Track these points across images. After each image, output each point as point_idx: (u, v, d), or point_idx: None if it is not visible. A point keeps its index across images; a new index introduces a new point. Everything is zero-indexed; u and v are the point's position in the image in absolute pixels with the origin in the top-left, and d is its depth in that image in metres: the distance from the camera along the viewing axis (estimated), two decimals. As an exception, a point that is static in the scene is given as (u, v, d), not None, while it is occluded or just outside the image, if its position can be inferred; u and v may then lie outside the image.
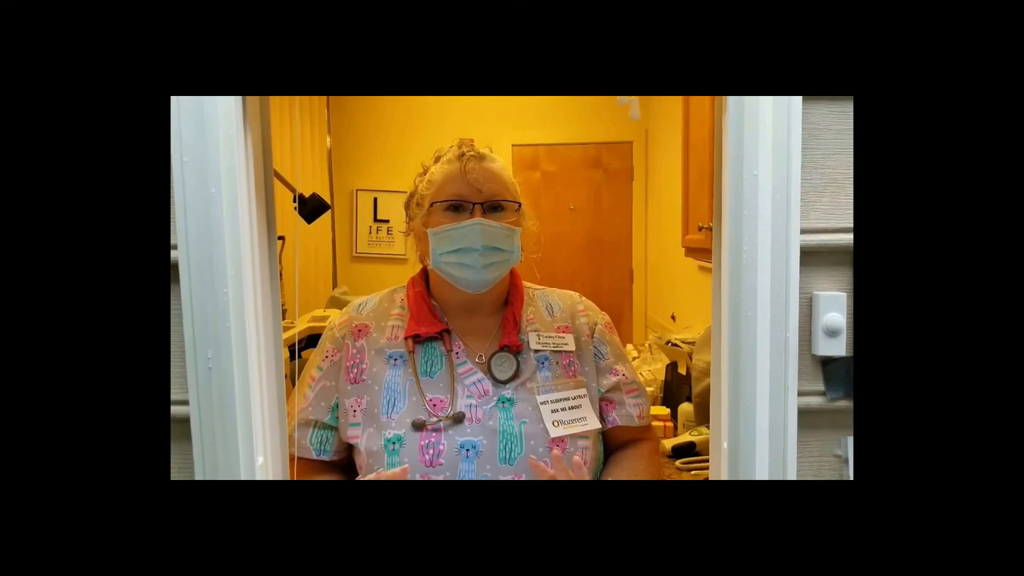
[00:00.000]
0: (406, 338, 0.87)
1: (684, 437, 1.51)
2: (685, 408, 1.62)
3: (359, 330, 0.90)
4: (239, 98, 0.57)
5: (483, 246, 0.82)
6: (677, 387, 1.78)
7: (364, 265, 3.54)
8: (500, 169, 0.88)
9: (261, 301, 0.64)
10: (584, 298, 0.99)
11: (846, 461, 0.60)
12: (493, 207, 0.85)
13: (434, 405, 0.83)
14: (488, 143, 0.95)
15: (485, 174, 0.85)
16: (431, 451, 0.80)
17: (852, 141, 0.60)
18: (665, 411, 1.68)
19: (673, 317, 2.83)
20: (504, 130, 3.45)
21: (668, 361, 1.91)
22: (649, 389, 1.91)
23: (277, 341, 0.69)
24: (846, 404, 0.60)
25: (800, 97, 0.57)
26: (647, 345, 2.44)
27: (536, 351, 0.87)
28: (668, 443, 1.47)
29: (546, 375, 0.86)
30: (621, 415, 0.90)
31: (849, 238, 0.59)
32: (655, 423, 1.60)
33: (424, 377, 0.85)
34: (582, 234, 3.57)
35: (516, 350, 0.86)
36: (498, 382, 0.84)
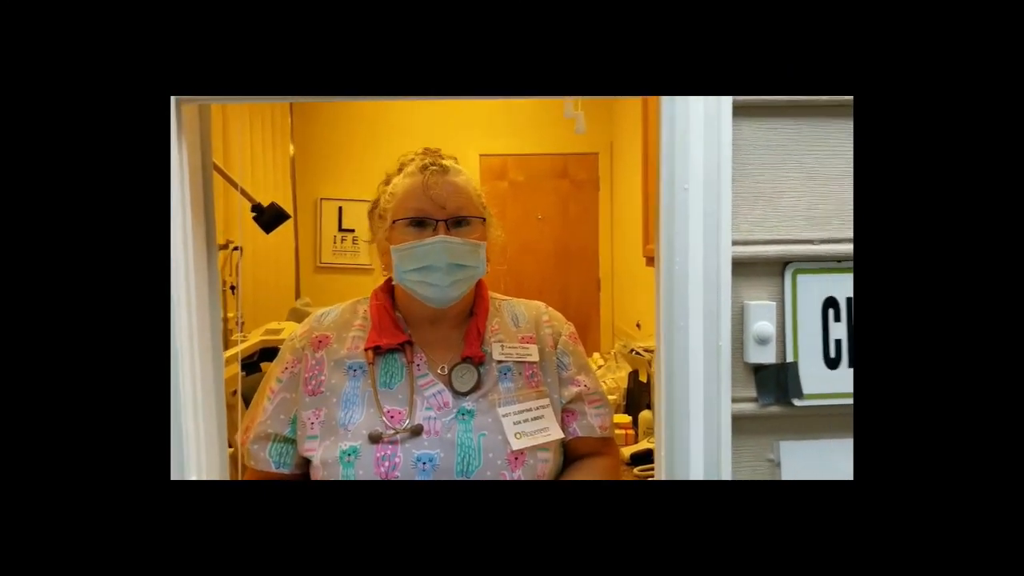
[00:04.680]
0: (366, 349, 0.86)
1: (643, 444, 1.53)
2: (645, 415, 1.64)
3: (319, 341, 0.89)
4: (172, 105, 0.57)
5: (448, 264, 0.82)
6: (639, 395, 1.81)
7: (329, 276, 3.49)
8: (464, 182, 0.87)
9: (196, 316, 0.63)
10: (550, 308, 0.99)
11: (778, 465, 0.62)
12: (457, 222, 0.84)
13: (392, 417, 0.82)
14: (456, 152, 0.94)
15: (449, 188, 0.84)
16: (387, 463, 0.79)
17: (780, 156, 0.62)
18: (627, 419, 1.71)
19: (638, 325, 2.87)
20: (472, 139, 3.47)
21: (631, 369, 1.94)
22: (612, 397, 1.93)
23: (216, 357, 0.68)
24: (777, 410, 0.62)
25: (730, 114, 0.59)
26: (612, 353, 2.46)
27: (499, 362, 0.87)
28: (627, 451, 1.49)
29: (508, 386, 0.85)
30: (582, 426, 0.90)
31: (776, 249, 0.62)
32: (617, 431, 1.61)
33: (383, 388, 0.84)
34: (550, 243, 3.60)
35: (478, 361, 0.86)
36: (458, 394, 0.84)
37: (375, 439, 0.80)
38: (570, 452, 0.92)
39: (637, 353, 1.91)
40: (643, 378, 1.81)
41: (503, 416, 0.82)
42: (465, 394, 0.84)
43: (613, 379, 2.08)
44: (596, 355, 2.68)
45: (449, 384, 0.84)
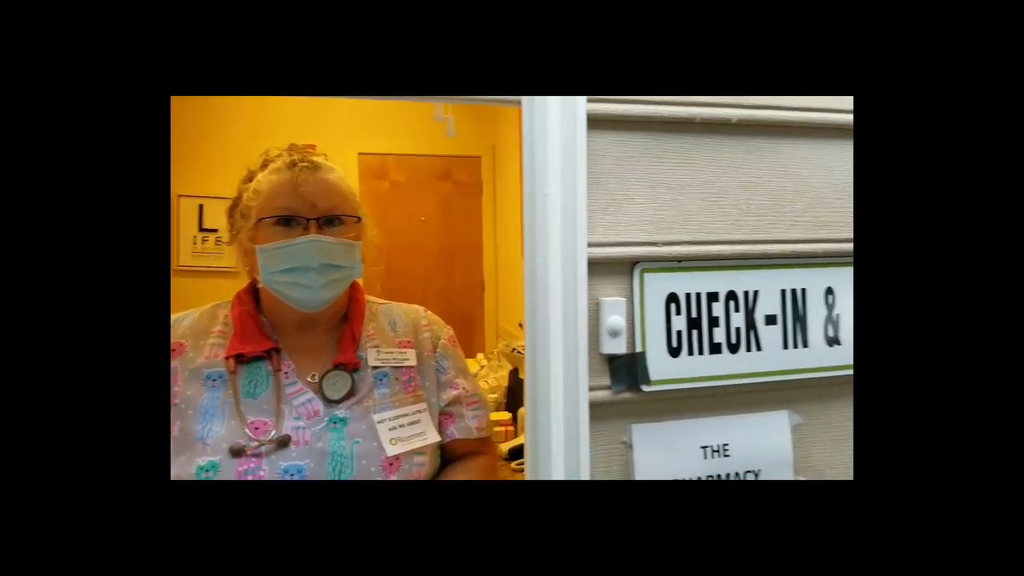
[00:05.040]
0: (227, 357, 0.80)
1: (521, 439, 1.59)
2: (523, 412, 1.70)
3: (172, 349, 0.82)
4: None
5: (320, 264, 0.78)
6: (518, 392, 1.87)
7: (188, 279, 3.17)
8: (338, 180, 0.84)
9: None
10: (429, 312, 0.98)
11: (631, 446, 0.69)
12: (329, 221, 0.81)
13: (256, 428, 0.77)
14: (333, 149, 0.91)
15: (320, 186, 0.81)
16: (250, 477, 0.74)
17: (629, 167, 0.69)
18: (507, 416, 1.76)
19: (521, 325, 2.96)
20: (350, 137, 3.35)
21: (512, 367, 2.00)
22: (494, 396, 1.97)
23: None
24: (628, 396, 0.69)
25: (585, 126, 0.65)
26: (496, 353, 2.52)
27: (375, 368, 0.85)
28: (505, 446, 1.54)
29: (384, 392, 0.84)
30: (460, 428, 0.90)
31: (625, 250, 0.68)
32: (496, 428, 1.66)
33: (246, 399, 0.79)
34: (434, 245, 3.59)
35: (352, 368, 0.83)
36: (330, 402, 0.81)
37: (237, 452, 0.75)
38: (448, 453, 0.92)
39: (517, 352, 1.97)
40: (522, 375, 1.88)
41: (378, 422, 0.81)
42: (337, 402, 0.81)
43: (495, 378, 2.13)
44: (480, 355, 2.73)
45: (320, 392, 0.81)
